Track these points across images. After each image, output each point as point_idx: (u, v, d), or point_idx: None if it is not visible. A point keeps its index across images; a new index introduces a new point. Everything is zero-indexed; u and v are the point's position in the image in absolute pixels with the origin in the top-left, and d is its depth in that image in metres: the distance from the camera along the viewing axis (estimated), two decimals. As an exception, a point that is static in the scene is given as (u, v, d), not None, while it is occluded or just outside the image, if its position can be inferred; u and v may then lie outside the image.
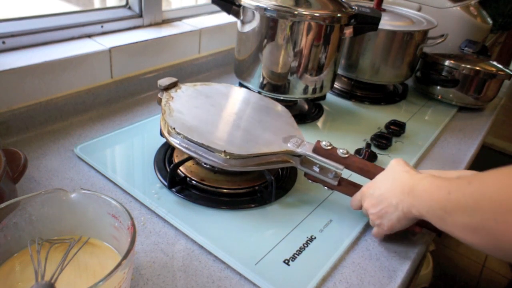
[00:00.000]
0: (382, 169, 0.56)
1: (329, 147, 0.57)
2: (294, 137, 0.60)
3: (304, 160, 0.60)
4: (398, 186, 0.51)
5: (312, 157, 0.58)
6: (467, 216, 0.39)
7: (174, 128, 0.56)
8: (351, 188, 0.58)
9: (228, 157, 0.55)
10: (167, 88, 0.66)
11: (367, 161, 0.58)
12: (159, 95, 0.65)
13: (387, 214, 0.52)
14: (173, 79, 0.67)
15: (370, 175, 0.57)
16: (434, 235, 0.60)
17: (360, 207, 0.57)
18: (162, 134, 0.61)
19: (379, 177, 0.55)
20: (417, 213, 0.48)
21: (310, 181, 0.61)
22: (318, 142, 0.58)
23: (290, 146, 0.58)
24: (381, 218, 0.53)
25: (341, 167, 0.57)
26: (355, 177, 0.60)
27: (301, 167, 0.60)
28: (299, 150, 0.58)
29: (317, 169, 0.59)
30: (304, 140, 0.60)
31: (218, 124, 0.60)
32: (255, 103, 0.68)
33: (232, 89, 0.71)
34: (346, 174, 0.62)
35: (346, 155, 0.57)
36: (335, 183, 0.58)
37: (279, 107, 0.68)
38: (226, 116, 0.63)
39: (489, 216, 0.37)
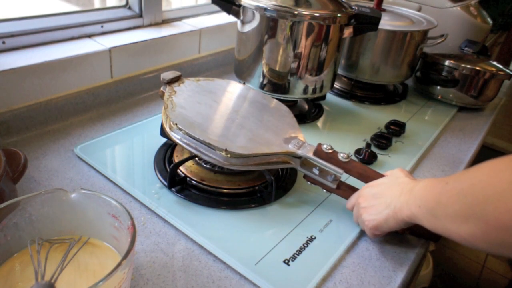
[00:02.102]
0: (382, 176, 0.56)
1: (330, 151, 0.57)
2: (295, 138, 0.60)
3: (304, 161, 0.60)
4: (397, 188, 0.51)
5: (312, 159, 0.58)
6: (459, 203, 0.39)
7: (176, 124, 0.56)
8: (350, 192, 0.58)
9: (229, 155, 0.54)
10: (170, 82, 0.65)
11: (367, 167, 0.58)
12: (161, 89, 0.64)
13: (377, 211, 0.52)
14: (177, 73, 0.66)
15: (370, 180, 0.57)
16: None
17: (352, 206, 0.57)
18: (162, 132, 0.61)
19: (381, 179, 0.55)
20: (408, 211, 0.47)
21: (309, 183, 0.61)
22: (319, 145, 0.58)
23: (291, 148, 0.58)
24: (370, 213, 0.52)
25: (341, 171, 0.57)
26: (353, 181, 0.60)
27: (301, 169, 0.60)
28: (299, 152, 0.58)
29: (316, 172, 0.59)
30: (305, 142, 0.60)
31: (220, 122, 0.60)
32: (257, 101, 0.68)
33: (235, 85, 0.71)
34: (344, 176, 0.62)
35: (347, 160, 0.57)
36: (334, 186, 0.58)
37: (281, 107, 0.68)
38: (228, 114, 0.62)
39: (481, 199, 0.37)
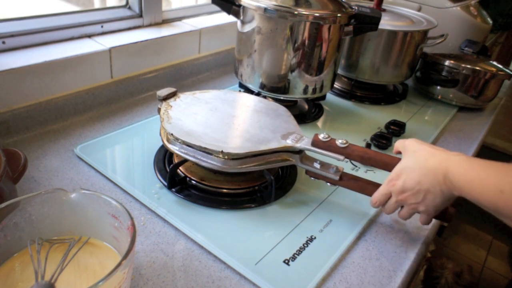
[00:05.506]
0: (383, 155, 0.56)
1: (327, 139, 0.57)
2: (293, 133, 0.60)
3: (304, 157, 0.60)
4: (428, 173, 0.50)
5: (311, 150, 0.58)
6: None
7: (172, 134, 0.57)
8: (353, 182, 0.58)
9: (226, 157, 0.55)
10: (166, 98, 0.66)
11: (367, 148, 0.58)
12: (158, 106, 0.65)
13: (429, 200, 0.51)
14: (172, 89, 0.67)
15: (372, 162, 0.56)
16: (434, 234, 0.60)
17: (384, 202, 0.55)
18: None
19: (402, 168, 0.53)
20: (459, 195, 0.48)
21: (312, 178, 0.61)
22: (316, 135, 0.58)
23: (289, 142, 0.58)
24: (425, 205, 0.51)
25: (341, 157, 0.57)
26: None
27: (301, 165, 0.60)
28: (298, 145, 0.58)
29: (317, 166, 0.59)
30: (304, 136, 0.60)
31: (216, 127, 0.60)
32: (254, 105, 0.68)
33: (231, 94, 0.72)
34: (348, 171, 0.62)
35: (346, 145, 0.57)
36: (337, 178, 0.58)
37: (279, 107, 0.68)
38: (225, 119, 0.63)
39: None
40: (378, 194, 0.55)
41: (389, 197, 0.55)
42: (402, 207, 0.55)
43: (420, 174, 0.51)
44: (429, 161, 0.51)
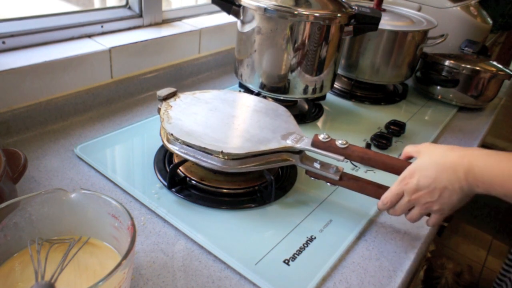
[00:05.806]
0: (383, 156, 0.56)
1: (327, 139, 0.57)
2: (293, 133, 0.60)
3: (304, 157, 0.60)
4: (447, 168, 0.48)
5: (311, 151, 0.58)
6: None
7: (172, 134, 0.57)
8: (353, 182, 0.58)
9: (226, 157, 0.55)
10: (166, 98, 0.66)
11: (367, 149, 0.58)
12: (158, 106, 0.65)
13: (445, 198, 0.49)
14: (172, 89, 0.67)
15: (372, 162, 0.56)
16: (434, 234, 0.60)
17: (396, 203, 0.53)
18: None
19: (416, 167, 0.51)
20: (483, 191, 0.46)
21: (312, 178, 0.61)
22: (316, 135, 0.58)
23: (289, 143, 0.58)
24: (440, 203, 0.50)
25: (341, 158, 0.57)
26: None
27: (301, 165, 0.60)
28: (298, 146, 0.58)
29: (317, 166, 0.59)
30: (304, 136, 0.60)
31: (216, 127, 0.60)
32: (254, 105, 0.68)
33: (231, 94, 0.72)
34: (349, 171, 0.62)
35: (345, 145, 0.57)
36: (337, 178, 0.58)
37: (279, 107, 0.68)
38: (225, 119, 0.63)
39: None
40: (390, 193, 0.53)
41: (401, 196, 0.53)
42: (411, 208, 0.53)
43: (436, 171, 0.49)
44: (447, 157, 0.49)
